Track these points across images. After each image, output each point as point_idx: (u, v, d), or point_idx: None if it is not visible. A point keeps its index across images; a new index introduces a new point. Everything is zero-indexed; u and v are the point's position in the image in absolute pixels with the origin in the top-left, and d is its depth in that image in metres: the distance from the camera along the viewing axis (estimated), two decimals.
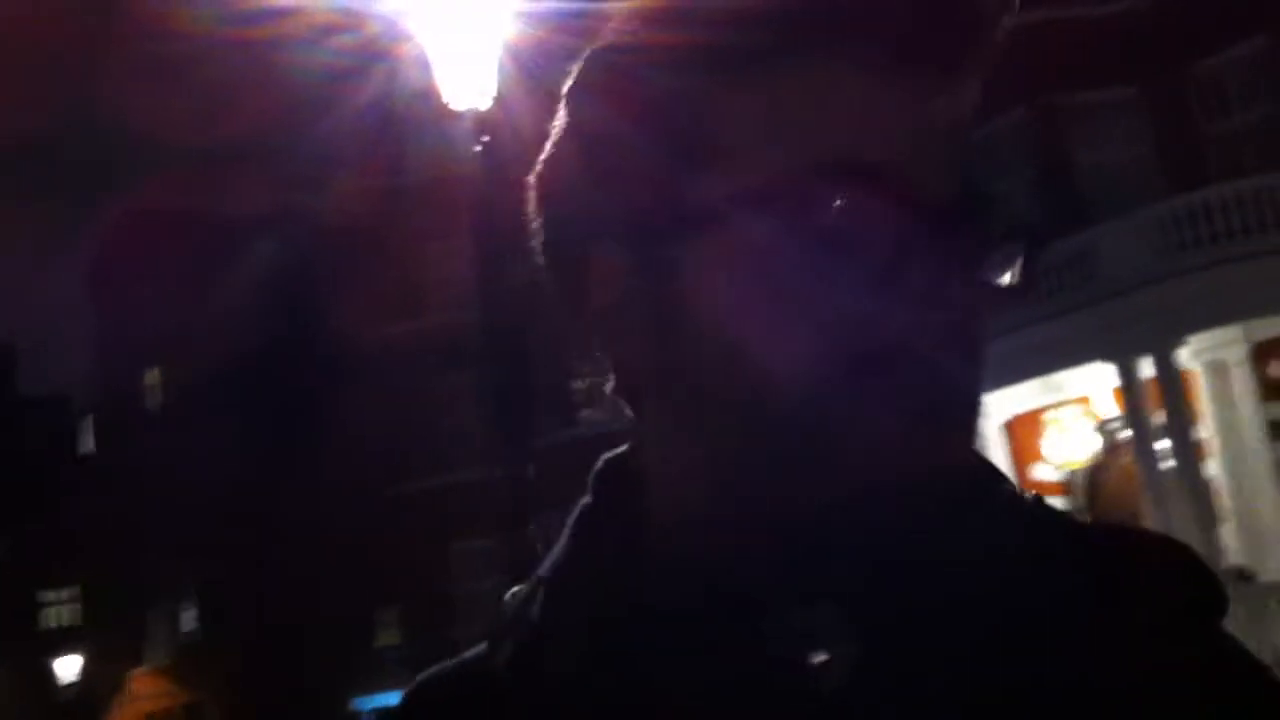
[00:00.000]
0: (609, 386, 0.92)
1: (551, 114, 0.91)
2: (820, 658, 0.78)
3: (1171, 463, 18.53)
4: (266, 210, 37.02)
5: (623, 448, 0.95)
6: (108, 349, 46.19)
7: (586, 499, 0.95)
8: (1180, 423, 18.53)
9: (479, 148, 8.34)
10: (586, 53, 0.89)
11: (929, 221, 0.78)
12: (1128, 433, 19.63)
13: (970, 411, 0.81)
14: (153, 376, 44.37)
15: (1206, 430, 19.48)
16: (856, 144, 0.78)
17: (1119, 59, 21.20)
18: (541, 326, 28.01)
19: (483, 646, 0.92)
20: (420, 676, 0.94)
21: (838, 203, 0.77)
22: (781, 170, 0.78)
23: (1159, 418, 18.75)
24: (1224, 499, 19.39)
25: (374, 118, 28.98)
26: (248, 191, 37.48)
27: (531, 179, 0.92)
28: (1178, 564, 0.87)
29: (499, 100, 8.70)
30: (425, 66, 9.11)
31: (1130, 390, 18.84)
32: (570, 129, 0.89)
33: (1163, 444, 18.66)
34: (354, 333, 31.48)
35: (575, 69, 0.90)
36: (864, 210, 0.77)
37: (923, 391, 0.77)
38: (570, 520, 0.95)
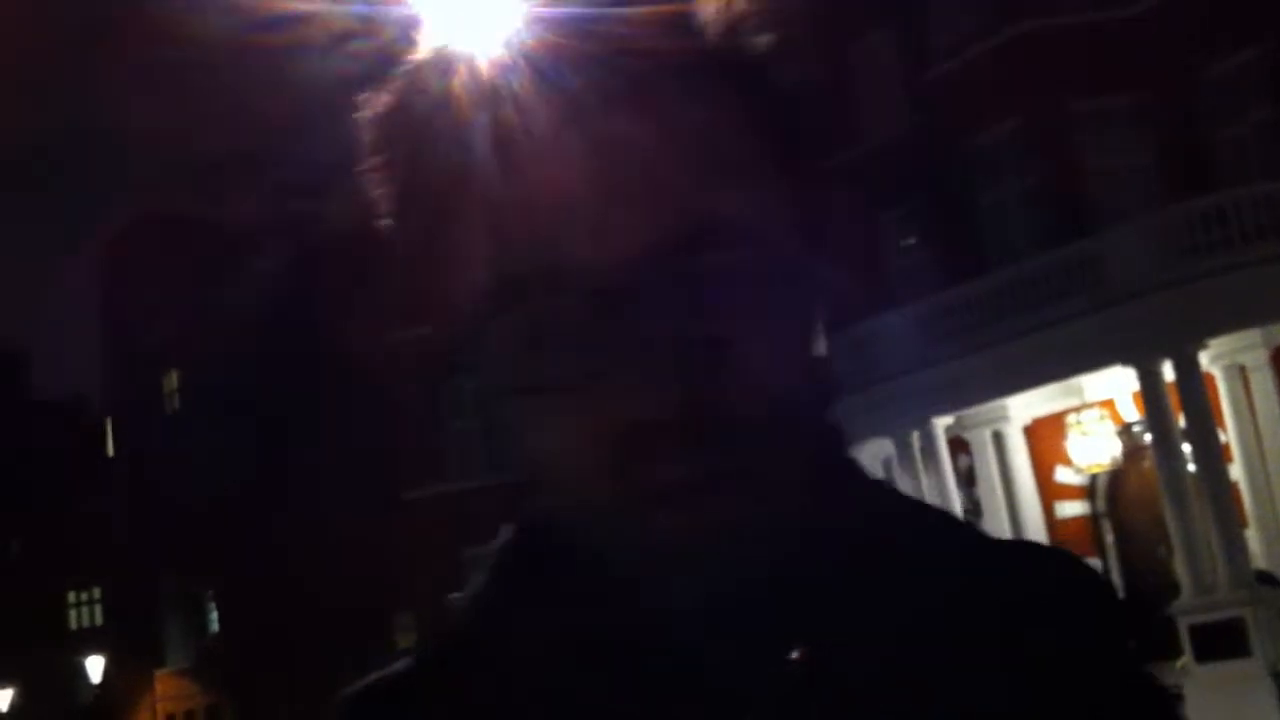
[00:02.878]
0: None
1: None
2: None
3: (1193, 466, 18.45)
4: (279, 212, 37.08)
5: None
6: (124, 352, 46.33)
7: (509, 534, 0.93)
8: (1202, 426, 18.44)
9: None
10: None
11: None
12: (1149, 436, 19.54)
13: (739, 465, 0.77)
14: (170, 380, 44.50)
15: (1227, 434, 19.39)
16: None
17: (1128, 65, 21.16)
18: None
19: (406, 660, 0.93)
20: (350, 687, 0.94)
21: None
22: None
23: (1180, 421, 18.67)
24: (1246, 503, 19.30)
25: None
26: (260, 193, 37.55)
27: None
28: (1079, 587, 0.86)
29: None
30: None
31: (1151, 394, 18.75)
32: None
33: (1185, 447, 18.58)
34: (369, 337, 31.49)
35: None
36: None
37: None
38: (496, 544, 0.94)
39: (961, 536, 0.88)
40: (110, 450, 50.38)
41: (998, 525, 21.22)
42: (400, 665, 0.93)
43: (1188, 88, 21.17)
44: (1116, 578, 21.74)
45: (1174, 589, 18.75)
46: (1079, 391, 21.05)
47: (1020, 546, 0.90)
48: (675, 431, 0.74)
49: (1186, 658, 18.24)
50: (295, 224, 36.25)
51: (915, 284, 23.35)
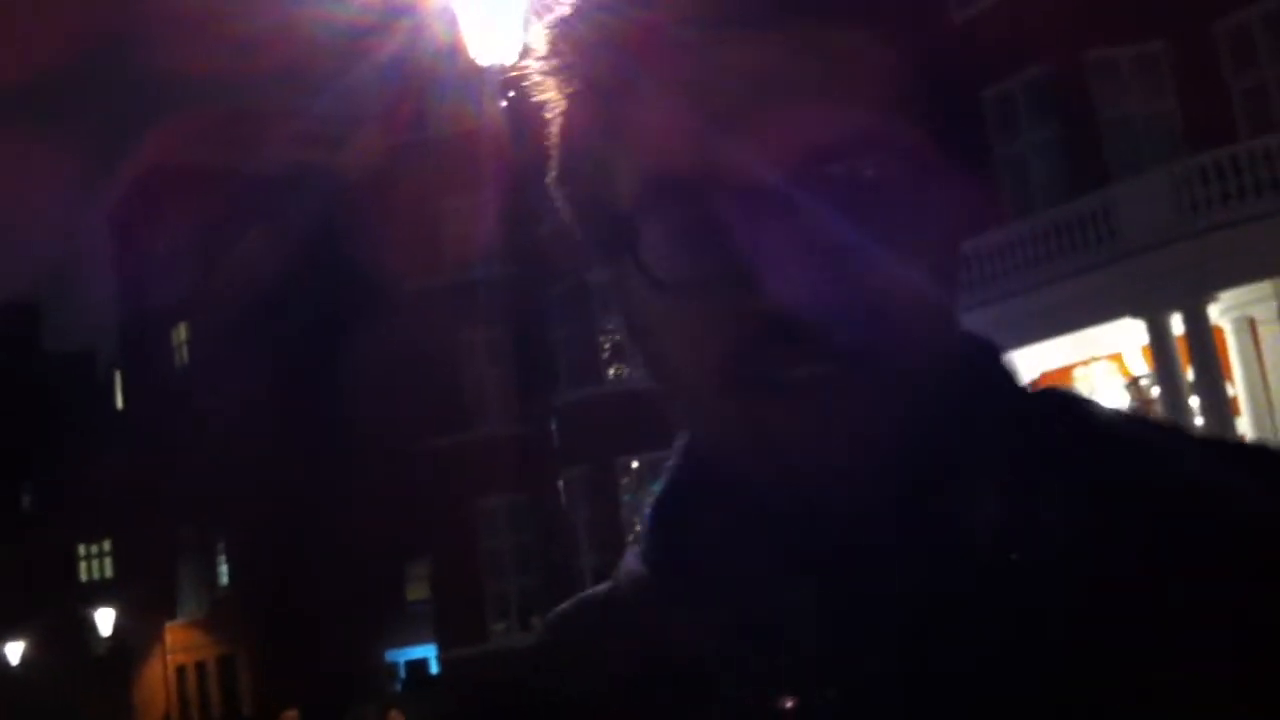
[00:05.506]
0: None
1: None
2: (791, 703, 0.78)
3: (1202, 420, 18.44)
4: (289, 165, 37.07)
5: None
6: (134, 304, 46.41)
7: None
8: (1211, 379, 18.42)
9: (504, 104, 8.31)
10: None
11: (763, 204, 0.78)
12: (1158, 389, 19.54)
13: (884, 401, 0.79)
14: (179, 333, 44.58)
15: (1235, 387, 19.37)
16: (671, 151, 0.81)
17: (1146, 14, 21.02)
18: (566, 282, 28.13)
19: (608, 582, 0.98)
20: (558, 606, 1.00)
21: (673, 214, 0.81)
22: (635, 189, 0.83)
23: (1189, 374, 18.66)
24: None
25: (397, 72, 28.96)
26: (270, 146, 37.54)
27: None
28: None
29: (524, 56, 8.65)
30: (450, 21, 9.06)
31: (1160, 347, 18.73)
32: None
33: (1193, 401, 18.57)
34: (377, 288, 31.53)
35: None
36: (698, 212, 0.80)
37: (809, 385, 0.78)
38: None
39: (1163, 438, 0.87)
40: (120, 403, 50.53)
41: None
42: (602, 587, 0.97)
43: (1207, 37, 21.04)
44: None
45: None
46: (1087, 344, 21.04)
47: (1238, 447, 0.86)
48: (812, 328, 0.77)
49: None
50: (307, 175, 36.24)
51: None
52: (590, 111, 0.86)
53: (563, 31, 0.88)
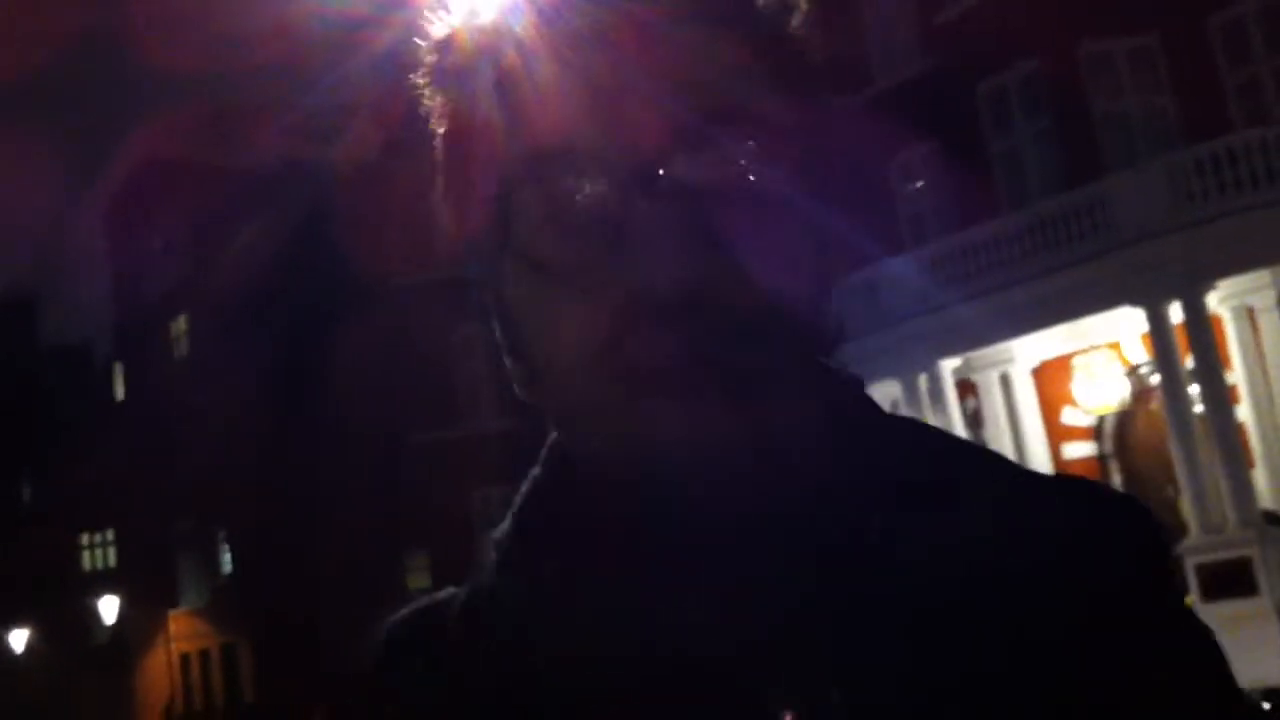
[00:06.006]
0: None
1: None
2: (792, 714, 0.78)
3: (1201, 408, 18.45)
4: (283, 159, 36.96)
5: None
6: (132, 297, 46.35)
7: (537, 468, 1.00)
8: (1209, 367, 18.42)
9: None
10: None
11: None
12: (1157, 378, 19.54)
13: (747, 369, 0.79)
14: (179, 324, 44.52)
15: (1234, 375, 19.37)
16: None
17: (1137, 7, 20.99)
18: None
19: (454, 589, 0.97)
20: (394, 615, 0.97)
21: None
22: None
23: (1188, 363, 18.65)
24: (1253, 443, 19.30)
25: (391, 66, 28.89)
26: (265, 140, 37.43)
27: None
28: (1126, 523, 0.85)
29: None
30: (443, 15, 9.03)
31: (1159, 335, 18.73)
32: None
33: (1192, 389, 18.57)
34: (379, 281, 31.50)
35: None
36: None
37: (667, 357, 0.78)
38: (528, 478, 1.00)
39: (1001, 472, 0.88)
40: (120, 394, 50.45)
41: None
42: (444, 595, 0.97)
43: (1201, 31, 21.02)
44: None
45: (1181, 529, 18.81)
46: (1086, 333, 21.04)
47: (1063, 482, 0.88)
48: (673, 312, 0.77)
49: (1193, 597, 18.28)
50: (302, 168, 36.16)
51: (925, 228, 23.28)
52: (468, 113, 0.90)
53: (440, 49, 0.94)
